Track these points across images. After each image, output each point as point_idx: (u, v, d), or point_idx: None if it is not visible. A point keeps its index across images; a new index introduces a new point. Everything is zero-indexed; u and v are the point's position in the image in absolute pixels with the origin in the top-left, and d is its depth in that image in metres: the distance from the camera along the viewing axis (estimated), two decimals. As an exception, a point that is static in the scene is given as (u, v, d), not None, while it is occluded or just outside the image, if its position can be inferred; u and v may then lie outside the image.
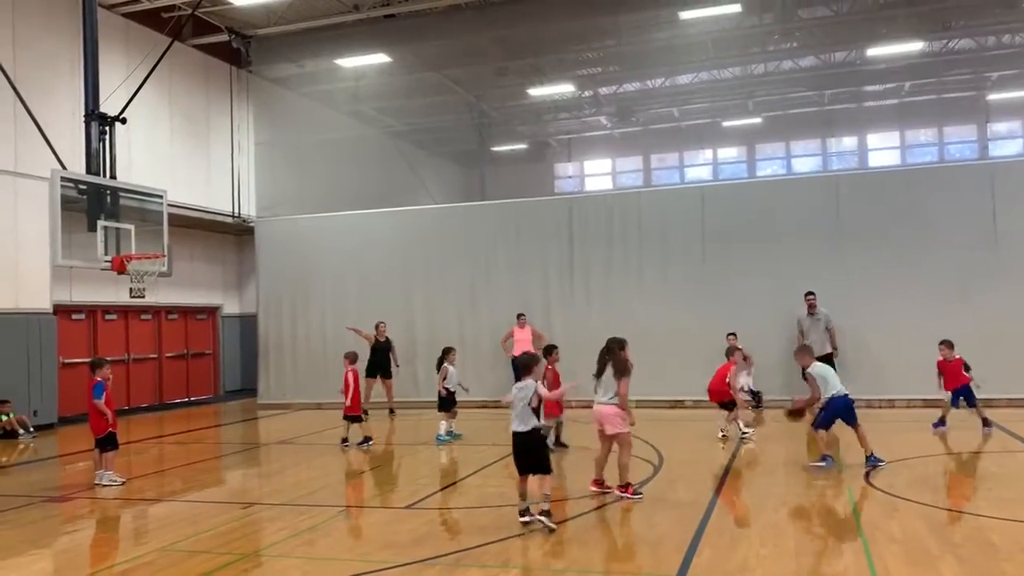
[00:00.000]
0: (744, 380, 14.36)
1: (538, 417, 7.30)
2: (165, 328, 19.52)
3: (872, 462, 9.37)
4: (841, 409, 9.51)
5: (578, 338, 16.88)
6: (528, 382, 7.33)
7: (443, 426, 12.42)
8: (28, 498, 9.18)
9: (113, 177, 13.30)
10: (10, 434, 14.09)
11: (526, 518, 7.20)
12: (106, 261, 12.51)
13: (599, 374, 8.24)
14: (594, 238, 17.01)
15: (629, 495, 8.13)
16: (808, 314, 14.70)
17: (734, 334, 14.31)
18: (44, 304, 15.37)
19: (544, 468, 7.25)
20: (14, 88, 13.25)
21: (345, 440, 12.15)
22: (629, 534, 7.31)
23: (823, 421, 9.62)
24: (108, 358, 16.28)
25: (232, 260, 21.83)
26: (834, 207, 15.73)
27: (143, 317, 18.83)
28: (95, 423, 9.83)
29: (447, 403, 12.39)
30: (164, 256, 13.17)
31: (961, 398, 11.80)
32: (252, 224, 20.20)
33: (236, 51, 19.89)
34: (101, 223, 12.53)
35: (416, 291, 18.13)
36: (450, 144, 30.66)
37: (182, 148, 18.81)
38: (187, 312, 20.24)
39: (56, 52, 15.52)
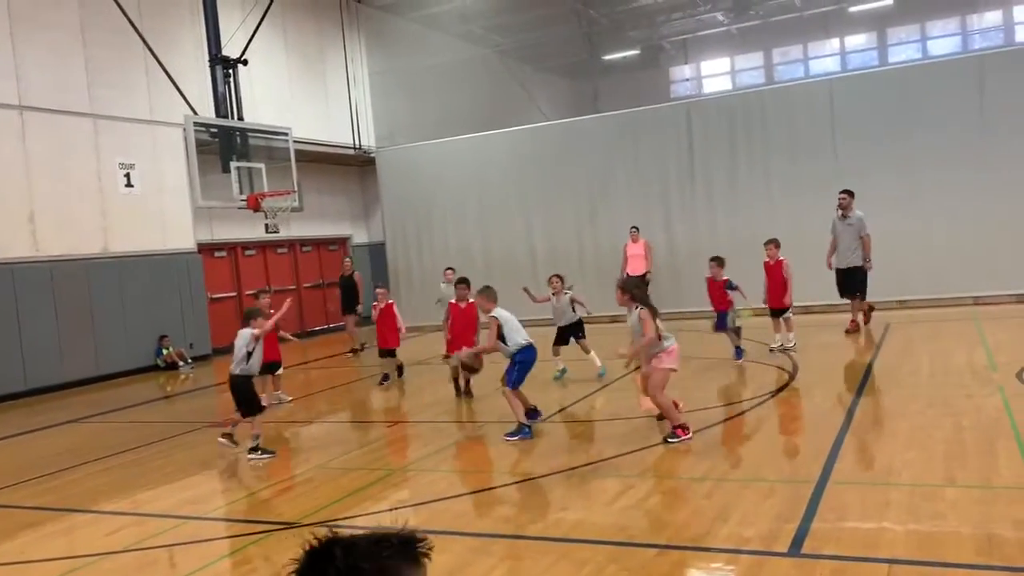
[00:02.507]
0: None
1: (247, 360, 7.86)
2: (301, 260, 20.41)
3: (524, 433, 7.69)
4: (531, 361, 7.90)
5: (702, 247, 16.61)
6: (245, 331, 7.91)
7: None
8: (193, 424, 9.96)
9: (240, 118, 13.84)
10: (171, 366, 15.23)
11: (225, 440, 8.09)
12: (242, 200, 13.13)
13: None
14: (715, 143, 16.48)
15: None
16: (840, 217, 12.40)
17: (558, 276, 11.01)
18: (189, 244, 16.32)
19: (248, 411, 7.86)
20: (144, 41, 13.84)
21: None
22: (767, 441, 7.27)
23: (516, 378, 7.83)
24: (251, 291, 17.20)
25: (356, 191, 22.43)
26: (977, 91, 14.59)
27: (279, 251, 19.73)
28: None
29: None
30: (294, 192, 13.70)
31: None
32: (373, 154, 20.65)
33: (344, -19, 20.02)
34: (234, 164, 13.13)
35: (534, 209, 18.19)
36: (560, 57, 30.02)
37: (300, 84, 19.27)
38: (320, 244, 21.05)
39: (177, 1, 16.03)
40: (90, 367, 14.17)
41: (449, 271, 13.17)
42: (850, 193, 12.43)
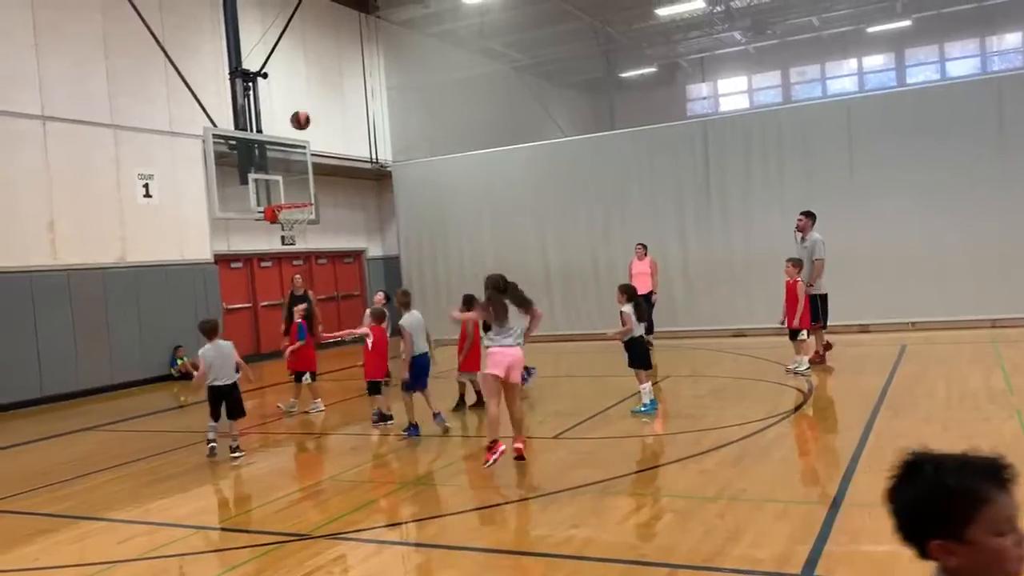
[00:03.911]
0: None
1: (238, 369, 8.55)
2: (316, 272, 20.49)
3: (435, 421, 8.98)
4: (420, 370, 8.95)
5: (716, 265, 16.61)
6: (220, 343, 8.49)
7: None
8: (206, 433, 9.97)
9: (259, 131, 13.95)
10: (185, 376, 15.29)
11: (215, 455, 8.42)
12: (259, 212, 13.21)
13: (504, 316, 7.08)
14: (731, 161, 16.46)
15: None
16: (800, 240, 11.90)
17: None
18: (206, 255, 16.43)
19: (241, 412, 8.58)
20: (165, 53, 14.01)
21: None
22: (780, 462, 7.22)
23: (410, 382, 8.97)
24: (266, 303, 17.26)
25: (372, 205, 22.55)
26: (996, 113, 14.53)
27: (295, 263, 19.82)
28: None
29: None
30: (311, 204, 13.77)
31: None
32: (389, 168, 20.77)
33: (363, -3, 20.24)
34: (252, 176, 13.22)
35: (549, 225, 18.21)
36: (577, 74, 30.19)
37: (319, 98, 19.41)
38: (335, 256, 21.15)
39: (198, 14, 16.24)
40: (105, 375, 14.26)
41: (380, 294, 11.57)
42: (808, 215, 12.00)
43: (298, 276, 14.80)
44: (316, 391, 11.19)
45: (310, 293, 14.39)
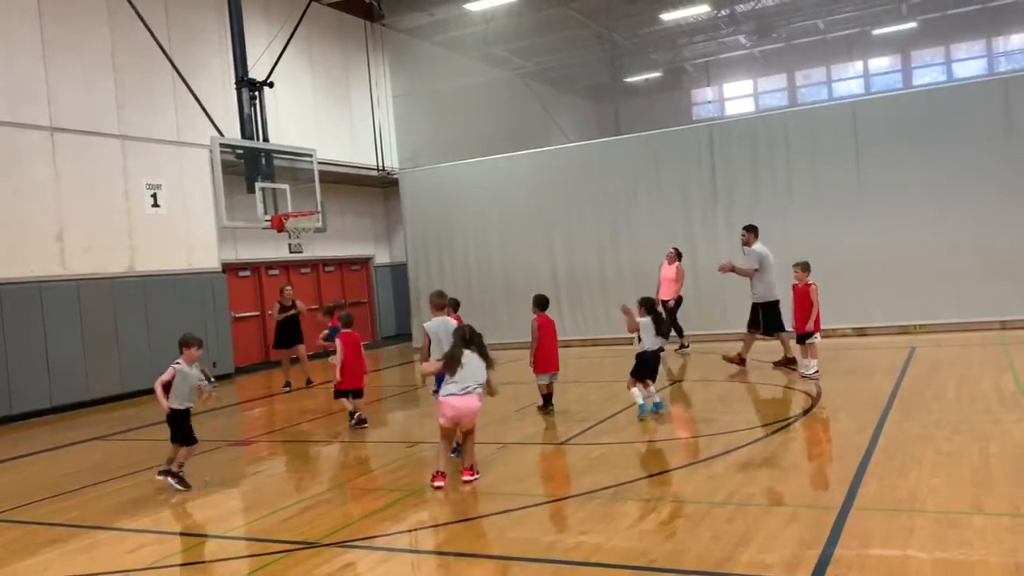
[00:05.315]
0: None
1: (190, 399, 8.13)
2: (324, 280, 20.56)
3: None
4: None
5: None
6: (190, 368, 8.17)
7: None
8: (215, 442, 10.00)
9: (266, 140, 14.01)
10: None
11: (173, 481, 7.83)
12: (266, 220, 13.26)
13: (458, 360, 7.05)
14: (738, 164, 16.44)
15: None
16: (746, 253, 12.41)
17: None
18: (214, 263, 16.48)
19: (188, 441, 8.04)
20: (172, 64, 14.07)
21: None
22: (789, 466, 7.19)
23: (436, 388, 8.52)
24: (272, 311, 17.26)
25: (380, 212, 22.60)
26: (1003, 113, 14.49)
27: (303, 271, 19.88)
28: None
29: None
30: (319, 212, 13.81)
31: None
32: (396, 176, 20.81)
33: (369, 6, 20.30)
34: (259, 184, 13.27)
35: (556, 231, 18.21)
36: (582, 79, 30.24)
37: (325, 106, 19.49)
38: (342, 264, 21.20)
39: (205, 25, 16.33)
40: (115, 385, 14.30)
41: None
42: (749, 229, 12.52)
43: (288, 288, 14.91)
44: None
45: (300, 304, 14.48)
